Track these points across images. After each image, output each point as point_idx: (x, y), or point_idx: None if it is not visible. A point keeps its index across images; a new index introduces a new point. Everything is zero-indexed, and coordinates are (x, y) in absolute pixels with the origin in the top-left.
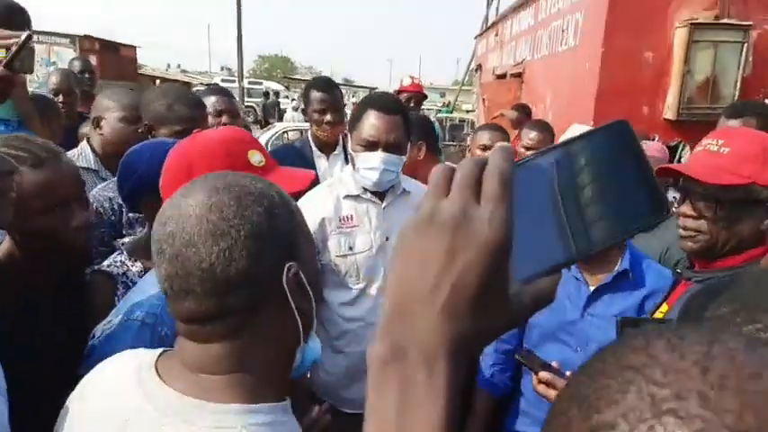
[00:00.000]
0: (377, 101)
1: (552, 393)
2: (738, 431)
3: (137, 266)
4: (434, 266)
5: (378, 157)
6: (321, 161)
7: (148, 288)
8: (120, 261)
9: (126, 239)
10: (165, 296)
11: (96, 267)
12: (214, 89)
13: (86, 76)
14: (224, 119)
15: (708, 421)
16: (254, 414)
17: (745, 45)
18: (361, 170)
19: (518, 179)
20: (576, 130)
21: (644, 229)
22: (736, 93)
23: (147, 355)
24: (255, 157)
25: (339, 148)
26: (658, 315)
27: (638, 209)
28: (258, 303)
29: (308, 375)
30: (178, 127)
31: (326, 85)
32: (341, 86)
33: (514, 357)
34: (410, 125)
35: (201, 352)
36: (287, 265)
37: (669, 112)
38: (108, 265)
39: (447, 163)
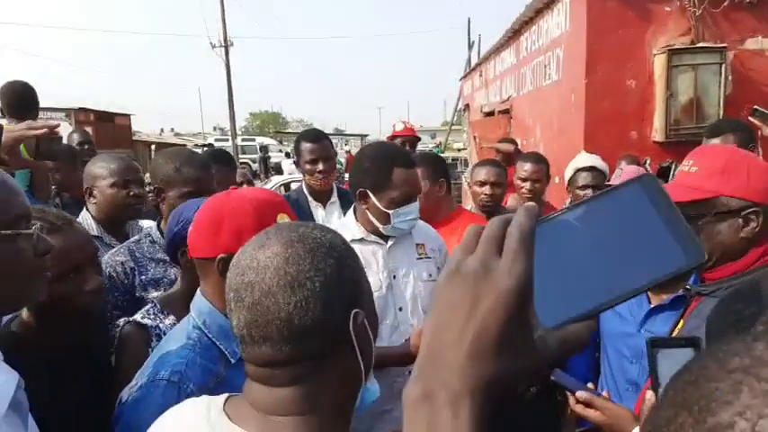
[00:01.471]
0: (399, 157)
1: (591, 412)
2: None
3: (169, 319)
4: (459, 314)
5: (416, 207)
6: (318, 210)
7: (171, 344)
8: (153, 313)
9: (155, 293)
10: (241, 342)
11: (131, 319)
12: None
13: (86, 147)
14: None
15: None
16: None
17: (723, 66)
18: (398, 224)
19: (544, 234)
20: (584, 158)
21: (680, 276)
22: (720, 111)
23: (215, 400)
24: (284, 221)
25: (335, 196)
26: (676, 332)
27: (672, 257)
28: (328, 349)
29: None
30: (186, 188)
31: (315, 137)
32: (333, 136)
33: (550, 379)
34: None
35: (272, 395)
36: (353, 312)
37: (658, 135)
38: (141, 317)
39: (476, 225)
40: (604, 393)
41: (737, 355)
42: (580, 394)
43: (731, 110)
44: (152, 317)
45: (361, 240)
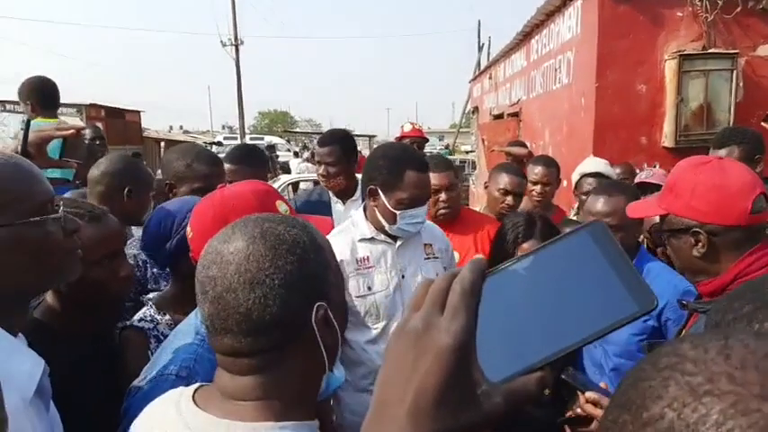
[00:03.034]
0: (413, 160)
1: (599, 413)
2: (763, 396)
3: (166, 318)
4: (402, 373)
5: (423, 211)
6: (337, 206)
7: (180, 340)
8: (150, 315)
9: (151, 295)
10: (207, 331)
11: (128, 323)
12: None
13: (97, 142)
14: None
15: (739, 394)
16: (282, 430)
17: (735, 72)
18: (403, 225)
19: (492, 286)
20: (590, 163)
21: (631, 322)
22: (731, 117)
23: (187, 389)
24: (282, 207)
25: (357, 194)
26: None
27: (622, 304)
28: (288, 342)
29: (335, 417)
30: (197, 184)
31: (322, 141)
32: None
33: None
34: None
35: (236, 382)
36: (316, 306)
37: (667, 141)
38: (138, 321)
39: (428, 277)
40: None
41: (666, 355)
42: (589, 394)
43: (742, 117)
44: (149, 319)
45: (371, 240)
